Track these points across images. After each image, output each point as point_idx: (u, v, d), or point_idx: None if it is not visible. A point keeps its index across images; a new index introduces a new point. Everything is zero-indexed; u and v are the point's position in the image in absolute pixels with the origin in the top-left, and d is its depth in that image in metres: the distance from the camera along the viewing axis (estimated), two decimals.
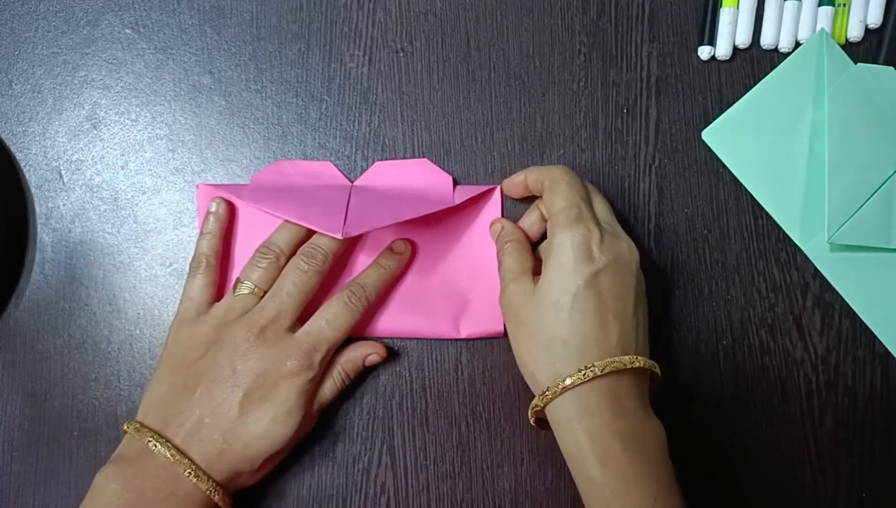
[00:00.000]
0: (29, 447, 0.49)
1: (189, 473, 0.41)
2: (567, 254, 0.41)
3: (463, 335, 0.48)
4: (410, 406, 0.49)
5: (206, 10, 0.51)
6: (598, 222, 0.43)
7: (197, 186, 0.49)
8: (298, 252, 0.45)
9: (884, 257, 0.49)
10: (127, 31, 0.51)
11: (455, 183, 0.49)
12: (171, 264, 0.50)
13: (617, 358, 0.40)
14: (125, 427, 0.43)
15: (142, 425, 0.42)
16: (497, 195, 0.49)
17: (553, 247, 0.42)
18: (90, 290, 0.50)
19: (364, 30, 0.51)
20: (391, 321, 0.48)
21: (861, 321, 0.50)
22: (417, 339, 0.49)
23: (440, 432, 0.49)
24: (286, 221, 0.46)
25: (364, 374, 0.49)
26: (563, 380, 0.40)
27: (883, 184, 0.49)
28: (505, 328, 0.46)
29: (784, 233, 0.50)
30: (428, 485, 0.49)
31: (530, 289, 0.43)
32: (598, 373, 0.39)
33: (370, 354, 0.47)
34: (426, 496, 0.48)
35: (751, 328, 0.50)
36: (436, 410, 0.49)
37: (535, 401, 0.42)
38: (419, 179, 0.49)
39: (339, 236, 0.44)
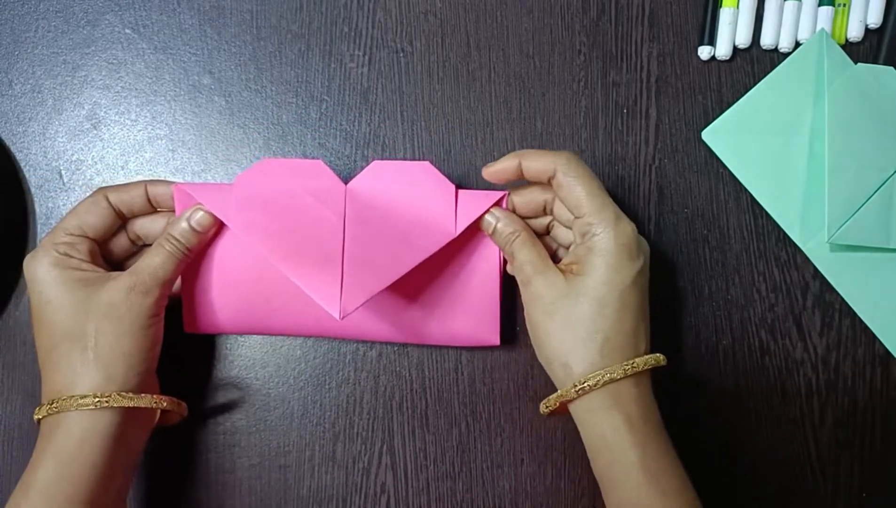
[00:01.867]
0: (29, 447, 0.49)
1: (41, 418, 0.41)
2: (614, 256, 0.42)
3: (457, 343, 0.48)
4: (410, 406, 0.49)
5: (206, 10, 0.51)
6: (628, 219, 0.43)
7: (174, 187, 0.45)
8: None
9: (884, 257, 0.49)
10: (127, 31, 0.51)
11: (458, 188, 0.46)
12: None
13: (654, 356, 0.42)
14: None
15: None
16: (506, 200, 0.46)
17: (597, 245, 0.42)
18: None
19: (364, 30, 0.51)
20: (383, 328, 0.47)
21: (861, 321, 0.50)
22: (412, 345, 0.49)
23: (440, 432, 0.49)
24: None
25: (364, 374, 0.49)
26: (606, 374, 0.41)
27: (883, 184, 0.49)
28: (502, 336, 0.47)
29: (784, 233, 0.50)
30: (428, 485, 0.49)
31: (561, 281, 0.42)
32: (640, 369, 0.41)
33: (194, 211, 0.44)
34: (426, 496, 0.48)
35: (751, 328, 0.50)
36: (436, 410, 0.49)
37: (565, 391, 0.42)
38: (419, 186, 0.46)
39: (338, 317, 0.42)
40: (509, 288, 0.48)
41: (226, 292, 0.47)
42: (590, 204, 0.42)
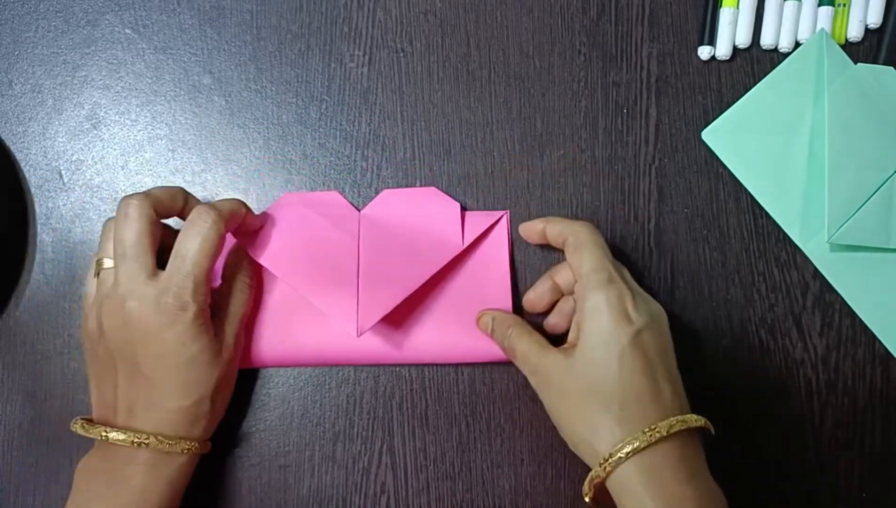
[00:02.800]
0: (29, 447, 0.49)
1: (147, 444, 0.41)
2: (605, 315, 0.40)
3: (475, 359, 0.48)
4: (410, 406, 0.49)
5: (206, 10, 0.51)
6: (627, 283, 0.42)
7: None
8: None
9: (884, 257, 0.49)
10: (127, 31, 0.51)
11: (463, 210, 0.49)
12: None
13: (681, 417, 0.39)
14: (72, 427, 0.43)
15: (87, 421, 0.43)
16: (504, 221, 0.49)
17: (588, 310, 0.41)
18: None
19: (364, 30, 0.51)
20: (401, 350, 0.48)
21: (861, 321, 0.50)
22: (430, 365, 0.49)
23: (440, 432, 0.49)
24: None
25: (364, 374, 0.49)
26: (627, 444, 0.38)
27: (883, 184, 0.49)
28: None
29: (784, 233, 0.50)
30: (428, 485, 0.49)
31: (562, 359, 0.41)
32: (665, 434, 0.38)
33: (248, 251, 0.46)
34: (426, 496, 0.48)
35: (751, 328, 0.50)
36: (436, 410, 0.49)
37: (595, 472, 0.39)
38: (427, 207, 0.49)
39: (356, 335, 0.44)
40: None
41: (251, 329, 0.48)
42: (586, 266, 0.42)
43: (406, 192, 0.49)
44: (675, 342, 0.50)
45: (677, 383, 0.42)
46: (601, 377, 0.40)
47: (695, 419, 0.40)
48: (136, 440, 0.41)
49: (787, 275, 0.50)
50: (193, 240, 0.41)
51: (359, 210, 0.49)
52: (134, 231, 0.41)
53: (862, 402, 0.49)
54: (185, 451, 0.42)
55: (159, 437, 0.41)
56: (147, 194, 0.42)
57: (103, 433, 0.41)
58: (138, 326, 0.41)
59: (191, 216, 0.42)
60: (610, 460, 0.38)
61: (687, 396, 0.43)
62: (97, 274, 0.43)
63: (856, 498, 0.49)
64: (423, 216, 0.48)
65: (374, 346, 0.48)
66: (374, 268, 0.46)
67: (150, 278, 0.41)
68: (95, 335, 0.43)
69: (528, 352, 0.43)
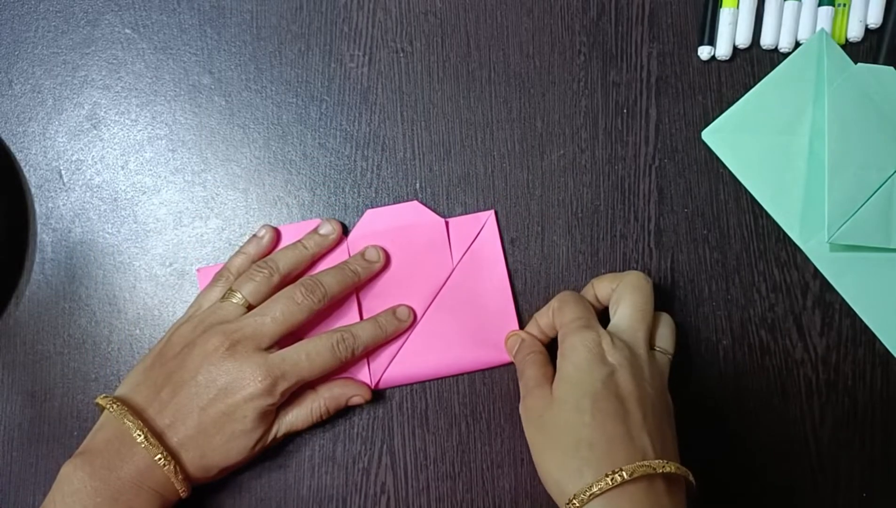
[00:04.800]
0: (29, 447, 0.49)
1: (160, 459, 0.41)
2: (580, 356, 0.42)
3: (482, 366, 0.48)
4: (410, 406, 0.49)
5: (206, 10, 0.51)
6: (606, 330, 0.43)
7: (197, 271, 0.49)
8: (300, 281, 0.45)
9: (884, 257, 0.49)
10: (127, 31, 0.51)
11: (447, 220, 0.49)
12: (171, 264, 0.50)
13: (647, 462, 0.39)
14: (101, 402, 0.42)
15: (120, 402, 0.42)
16: (492, 221, 0.49)
17: (565, 351, 0.43)
18: (90, 290, 0.50)
19: (364, 30, 0.51)
20: (410, 368, 0.48)
21: (861, 321, 0.50)
22: (439, 379, 0.49)
23: (440, 432, 0.49)
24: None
25: None
26: (591, 487, 0.38)
27: (883, 184, 0.49)
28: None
29: (784, 233, 0.50)
30: (428, 485, 0.49)
31: (549, 395, 0.42)
32: (627, 478, 0.38)
33: (354, 395, 0.46)
34: (426, 496, 0.48)
35: (751, 328, 0.50)
36: (436, 410, 0.49)
37: None
38: (412, 226, 0.49)
39: (372, 386, 0.47)
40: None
41: None
42: (567, 317, 0.44)
43: (389, 210, 0.49)
44: (676, 341, 0.50)
45: (653, 428, 0.41)
46: (574, 417, 0.40)
47: (662, 465, 0.39)
48: (162, 457, 0.41)
49: (787, 275, 0.50)
50: (326, 356, 0.44)
51: (345, 236, 0.49)
52: (291, 317, 0.44)
53: (862, 402, 0.49)
54: (183, 491, 0.43)
55: (177, 468, 0.42)
56: (325, 296, 0.45)
57: (138, 434, 0.41)
58: (226, 378, 0.42)
59: (337, 335, 0.45)
60: (573, 501, 0.38)
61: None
62: (223, 296, 0.45)
63: (856, 498, 0.49)
64: (410, 237, 0.49)
65: (387, 377, 0.48)
66: (374, 304, 0.48)
67: (268, 348, 0.43)
68: (181, 343, 0.44)
69: (530, 378, 0.44)
